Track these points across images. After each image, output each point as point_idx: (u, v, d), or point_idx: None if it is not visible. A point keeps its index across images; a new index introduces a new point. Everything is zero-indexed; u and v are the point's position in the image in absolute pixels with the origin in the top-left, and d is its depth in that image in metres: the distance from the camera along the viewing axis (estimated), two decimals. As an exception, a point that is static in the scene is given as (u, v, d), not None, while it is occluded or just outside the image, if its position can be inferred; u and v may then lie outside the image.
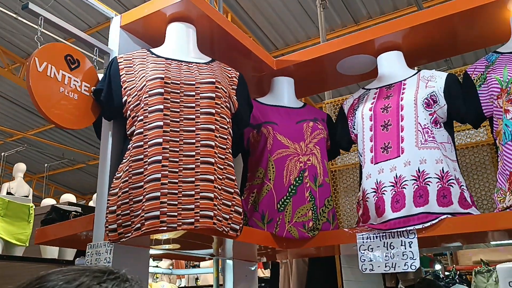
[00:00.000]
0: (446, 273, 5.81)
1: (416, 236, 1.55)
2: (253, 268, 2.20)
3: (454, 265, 5.98)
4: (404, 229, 1.56)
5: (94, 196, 4.99)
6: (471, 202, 1.60)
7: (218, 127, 1.47)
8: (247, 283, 2.12)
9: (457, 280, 4.98)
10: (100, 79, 1.56)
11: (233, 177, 1.49)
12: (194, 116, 1.45)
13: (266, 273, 6.12)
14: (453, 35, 1.85)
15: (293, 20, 8.39)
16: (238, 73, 1.71)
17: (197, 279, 8.78)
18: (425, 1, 7.60)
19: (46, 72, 1.38)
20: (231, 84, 1.64)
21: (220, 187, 1.42)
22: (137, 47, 1.70)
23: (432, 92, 1.69)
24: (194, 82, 1.50)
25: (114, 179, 1.43)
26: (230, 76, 1.67)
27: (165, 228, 1.31)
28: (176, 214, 1.32)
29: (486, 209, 2.18)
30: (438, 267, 6.48)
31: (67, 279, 0.62)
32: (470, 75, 1.68)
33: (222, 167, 1.45)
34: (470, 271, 5.74)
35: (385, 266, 1.58)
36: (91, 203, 5.13)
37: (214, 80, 1.52)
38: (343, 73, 2.09)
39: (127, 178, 1.38)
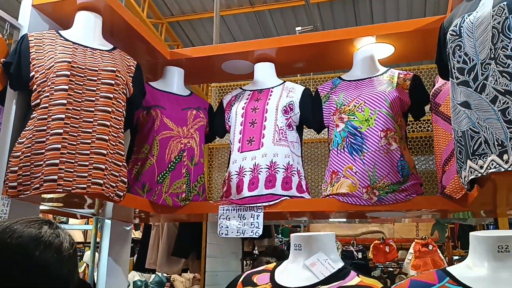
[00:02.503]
0: (298, 243, 6.67)
1: (262, 211, 2.02)
2: (128, 228, 2.52)
3: (305, 237, 6.87)
4: (254, 205, 2.02)
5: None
6: (306, 189, 2.11)
7: (114, 109, 1.76)
8: (122, 240, 2.44)
9: (305, 249, 5.83)
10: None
11: (122, 153, 1.80)
12: (94, 99, 1.72)
13: (137, 234, 6.40)
14: (316, 58, 2.33)
15: (192, -10, 8.48)
16: (135, 62, 1.99)
17: (64, 235, 8.69)
18: (314, -1, 8.25)
19: (-39, 42, 1.53)
20: (128, 72, 1.92)
21: (110, 160, 1.72)
22: (46, 26, 1.88)
23: (290, 102, 2.16)
24: (97, 69, 1.76)
25: (16, 144, 1.64)
26: (128, 64, 1.95)
27: (61, 190, 1.58)
28: (71, 179, 1.60)
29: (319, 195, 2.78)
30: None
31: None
32: (320, 92, 2.18)
33: (114, 143, 1.75)
34: (318, 242, 6.68)
35: (237, 232, 2.03)
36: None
37: (115, 69, 1.79)
38: (227, 72, 2.47)
39: (30, 144, 1.61)
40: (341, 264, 1.09)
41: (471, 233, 1.06)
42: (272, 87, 2.25)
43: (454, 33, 1.43)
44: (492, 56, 1.29)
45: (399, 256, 6.75)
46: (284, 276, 1.12)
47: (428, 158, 2.76)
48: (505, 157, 1.23)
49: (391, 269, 7.93)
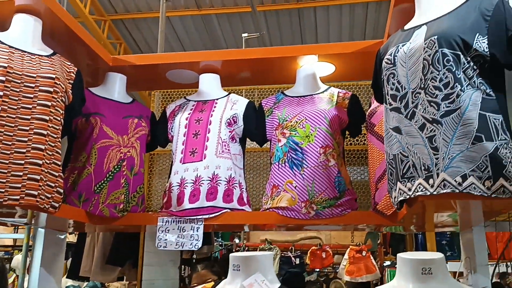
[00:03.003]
0: (238, 248, 6.72)
1: (203, 223, 2.03)
2: (62, 237, 2.43)
3: (245, 242, 6.94)
4: (195, 217, 2.02)
5: None
6: (247, 201, 2.14)
7: (52, 118, 1.70)
8: (56, 249, 2.34)
9: (244, 255, 5.87)
10: None
11: (59, 163, 1.74)
12: (31, 106, 1.65)
13: (71, 238, 6.15)
14: (261, 72, 2.38)
15: (137, -12, 8.33)
16: (76, 69, 1.93)
17: (-11, 239, 8.19)
18: (259, 5, 8.35)
19: None
20: (68, 78, 1.86)
21: (46, 170, 1.66)
22: (-21, 26, 1.78)
23: (234, 114, 2.19)
24: (35, 75, 1.69)
25: None
26: (68, 71, 1.89)
27: (-9, 201, 1.51)
28: (3, 190, 1.53)
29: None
30: (237, 240, 7.42)
31: None
32: (264, 106, 2.22)
33: (51, 153, 1.69)
34: (257, 247, 6.78)
35: (176, 245, 2.02)
36: None
37: (54, 76, 1.73)
38: (171, 80, 2.45)
39: (-42, 153, 1.52)
40: (277, 284, 1.13)
41: (398, 255, 1.14)
42: (217, 99, 2.26)
43: (389, 62, 1.52)
44: (422, 86, 1.38)
45: (334, 261, 6.97)
46: (222, 296, 1.15)
47: (364, 169, 2.89)
48: (430, 181, 1.32)
49: (327, 273, 8.18)
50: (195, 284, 2.35)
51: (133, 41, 9.60)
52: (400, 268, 1.12)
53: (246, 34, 7.33)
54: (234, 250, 6.66)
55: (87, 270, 3.41)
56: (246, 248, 6.41)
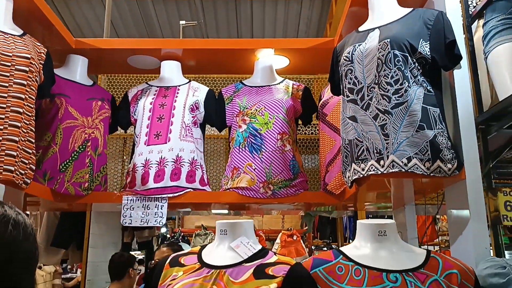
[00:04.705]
0: (172, 234, 6.80)
1: (167, 201, 2.15)
2: (16, 217, 2.43)
3: (180, 228, 7.02)
4: (159, 196, 2.14)
5: None
6: (207, 182, 2.30)
7: (27, 97, 1.74)
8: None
9: (180, 240, 5.98)
10: None
11: (33, 140, 1.79)
12: (7, 85, 1.68)
13: None
14: (218, 63, 2.53)
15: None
16: (45, 50, 1.96)
17: None
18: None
19: None
20: (39, 59, 1.89)
21: (21, 147, 1.70)
22: None
23: (196, 101, 2.32)
24: (11, 54, 1.72)
25: None
26: (39, 51, 1.92)
27: (-30, 176, 1.53)
28: (-19, 166, 1.56)
29: (216, 187, 2.99)
30: (164, 229, 7.46)
31: None
32: (224, 94, 2.38)
33: (26, 131, 1.73)
34: (192, 233, 6.89)
35: (141, 221, 2.13)
36: None
37: (29, 56, 1.77)
38: (132, 65, 2.52)
39: None
40: (260, 246, 1.31)
41: (358, 221, 1.37)
42: (179, 85, 2.38)
43: (347, 59, 1.75)
44: (376, 81, 1.62)
45: (266, 246, 7.29)
46: (211, 257, 1.30)
47: (314, 157, 3.16)
48: (381, 162, 1.57)
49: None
50: (157, 260, 2.47)
51: (62, 20, 9.21)
52: (359, 231, 1.35)
53: (183, 22, 7.35)
54: (169, 237, 6.73)
55: (29, 253, 3.35)
56: (182, 233, 6.51)
